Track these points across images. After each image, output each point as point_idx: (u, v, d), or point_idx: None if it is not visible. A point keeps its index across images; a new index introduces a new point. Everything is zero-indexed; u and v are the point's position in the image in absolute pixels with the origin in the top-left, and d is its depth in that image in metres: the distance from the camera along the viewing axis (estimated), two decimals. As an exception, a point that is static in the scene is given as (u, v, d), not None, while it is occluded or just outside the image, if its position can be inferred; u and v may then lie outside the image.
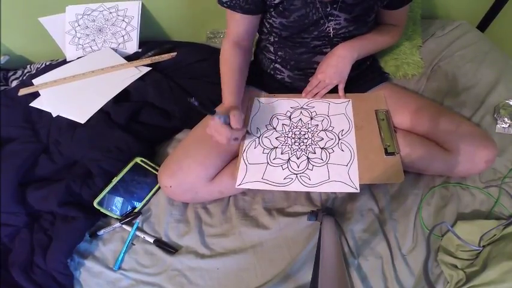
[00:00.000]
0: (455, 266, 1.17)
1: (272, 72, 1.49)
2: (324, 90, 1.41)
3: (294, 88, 1.48)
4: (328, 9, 1.22)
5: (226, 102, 1.29)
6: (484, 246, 1.17)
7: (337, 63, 1.33)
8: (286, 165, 1.27)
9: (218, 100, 1.38)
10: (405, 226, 1.27)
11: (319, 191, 1.33)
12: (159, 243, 1.30)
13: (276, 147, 1.32)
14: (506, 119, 1.46)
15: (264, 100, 1.46)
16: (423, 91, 1.62)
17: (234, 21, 1.31)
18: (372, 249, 1.24)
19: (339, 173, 1.23)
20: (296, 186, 1.22)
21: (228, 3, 1.24)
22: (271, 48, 1.43)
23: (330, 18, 1.25)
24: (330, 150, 1.29)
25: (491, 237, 1.18)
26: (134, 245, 1.31)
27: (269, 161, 1.28)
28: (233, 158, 1.36)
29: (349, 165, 1.25)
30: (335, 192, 1.36)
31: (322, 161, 1.27)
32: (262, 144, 1.33)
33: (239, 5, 1.24)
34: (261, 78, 1.50)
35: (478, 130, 1.27)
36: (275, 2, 1.21)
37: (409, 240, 1.25)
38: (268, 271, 1.23)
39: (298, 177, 1.24)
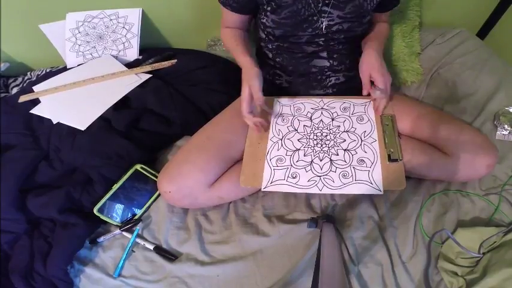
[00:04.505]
0: (456, 273, 1.17)
1: (271, 78, 1.51)
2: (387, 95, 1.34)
3: (293, 93, 1.48)
4: (320, 5, 1.25)
5: (246, 63, 1.32)
6: (484, 253, 1.17)
7: (381, 62, 1.31)
8: (309, 168, 1.27)
9: (219, 107, 1.38)
10: (405, 233, 1.27)
11: (344, 193, 1.31)
12: (159, 250, 1.30)
13: (299, 149, 1.31)
14: (506, 126, 1.46)
15: (284, 101, 1.45)
16: (423, 98, 1.63)
17: (227, 15, 1.42)
18: (372, 256, 1.24)
19: (362, 175, 1.24)
20: (320, 189, 1.23)
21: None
22: (270, 55, 1.46)
23: (322, 15, 1.27)
24: (353, 152, 1.29)
25: (491, 244, 1.18)
26: (134, 252, 1.31)
27: (292, 163, 1.28)
28: (233, 163, 1.37)
29: (372, 166, 1.25)
30: (335, 199, 1.36)
31: (345, 163, 1.27)
32: (285, 147, 1.33)
33: (228, 3, 1.35)
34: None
35: (479, 136, 1.28)
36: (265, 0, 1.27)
37: (409, 247, 1.25)
38: (268, 278, 1.23)
39: (322, 179, 1.24)
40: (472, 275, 1.14)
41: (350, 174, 1.24)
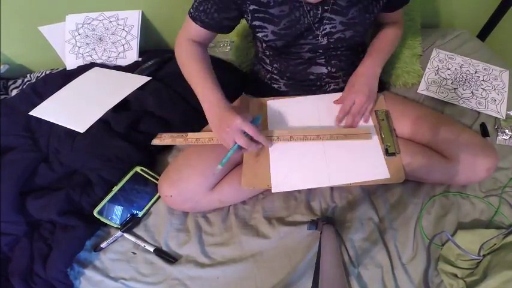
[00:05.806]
0: (456, 275, 1.16)
1: (269, 81, 1.49)
2: (358, 117, 1.34)
3: (292, 96, 1.47)
4: (320, 12, 1.19)
5: (216, 97, 1.20)
6: (484, 256, 1.17)
7: (367, 82, 1.32)
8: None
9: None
10: (405, 235, 1.27)
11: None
12: (159, 252, 1.30)
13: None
14: (507, 131, 1.46)
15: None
16: (424, 100, 1.63)
17: (195, 29, 1.28)
18: (372, 258, 1.24)
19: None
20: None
21: (192, 13, 1.25)
22: (267, 60, 1.44)
23: (324, 22, 1.22)
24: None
25: (491, 246, 1.18)
26: (135, 254, 1.31)
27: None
28: (234, 167, 1.36)
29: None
30: (335, 201, 1.36)
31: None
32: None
33: (200, 18, 1.24)
34: (258, 87, 1.50)
35: (479, 139, 1.28)
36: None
37: (409, 249, 1.24)
38: (268, 280, 1.23)
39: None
40: (472, 277, 1.14)
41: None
